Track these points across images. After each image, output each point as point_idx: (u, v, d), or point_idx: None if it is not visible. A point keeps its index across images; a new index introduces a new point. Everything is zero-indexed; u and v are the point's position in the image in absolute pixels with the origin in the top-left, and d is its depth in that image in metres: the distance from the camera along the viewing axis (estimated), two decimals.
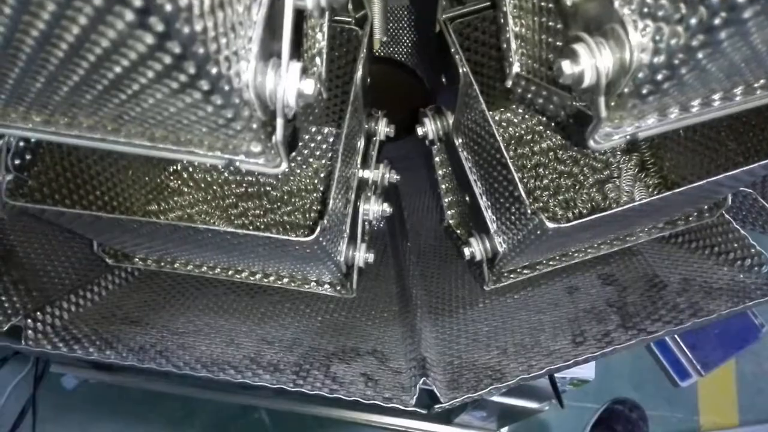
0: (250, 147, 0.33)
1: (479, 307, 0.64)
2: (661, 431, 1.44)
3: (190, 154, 0.32)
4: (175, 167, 0.73)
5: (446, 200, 0.69)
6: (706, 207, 0.61)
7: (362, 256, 0.58)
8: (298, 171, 0.75)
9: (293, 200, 0.74)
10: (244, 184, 0.75)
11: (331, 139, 0.74)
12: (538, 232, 0.48)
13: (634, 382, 1.48)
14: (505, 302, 0.64)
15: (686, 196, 0.49)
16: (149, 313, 0.61)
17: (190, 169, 0.74)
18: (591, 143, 0.40)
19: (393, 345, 0.60)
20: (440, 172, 0.67)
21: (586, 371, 0.89)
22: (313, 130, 0.75)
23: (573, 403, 1.38)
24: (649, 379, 1.49)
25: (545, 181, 0.74)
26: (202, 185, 0.74)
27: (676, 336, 1.45)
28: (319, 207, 0.73)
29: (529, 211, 0.48)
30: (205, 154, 0.32)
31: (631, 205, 0.45)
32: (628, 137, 0.39)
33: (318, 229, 0.44)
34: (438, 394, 0.51)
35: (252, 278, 0.60)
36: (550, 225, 0.45)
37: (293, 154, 0.38)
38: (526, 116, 0.75)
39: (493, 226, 0.56)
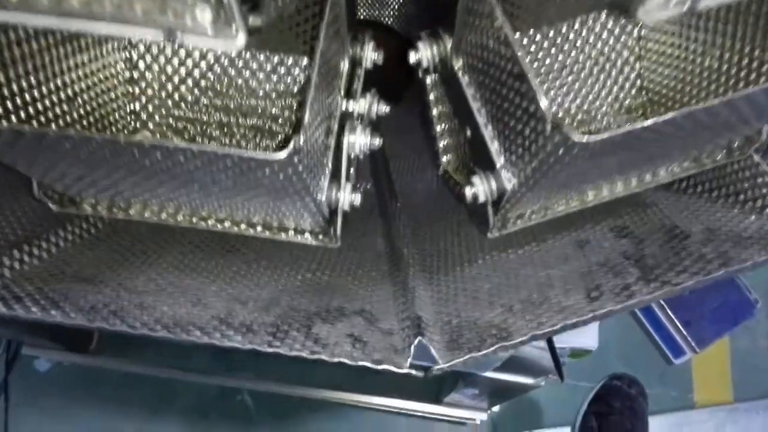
0: (196, 11, 0.27)
1: (478, 264, 0.57)
2: (655, 409, 1.40)
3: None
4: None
5: (442, 144, 0.62)
6: (736, 144, 0.54)
7: (347, 197, 0.50)
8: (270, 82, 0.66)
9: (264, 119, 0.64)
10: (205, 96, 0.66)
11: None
12: (561, 152, 0.41)
13: (626, 359, 1.44)
14: (507, 258, 0.57)
15: (731, 110, 0.42)
16: (105, 271, 0.53)
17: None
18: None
19: (383, 305, 0.53)
20: (435, 111, 0.60)
21: (589, 340, 0.83)
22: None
23: (567, 381, 1.33)
24: (642, 357, 1.45)
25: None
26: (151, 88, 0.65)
27: (670, 312, 1.41)
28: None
29: (548, 127, 0.41)
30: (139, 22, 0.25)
31: (671, 114, 0.38)
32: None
33: (291, 145, 0.37)
34: (435, 355, 0.44)
35: (219, 226, 0.52)
36: (576, 138, 0.38)
37: (257, 22, 0.30)
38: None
39: (500, 160, 0.49)
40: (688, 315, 1.41)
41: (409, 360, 0.44)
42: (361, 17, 0.95)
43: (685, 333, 1.40)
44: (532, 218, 0.55)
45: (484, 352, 0.43)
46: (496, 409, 1.33)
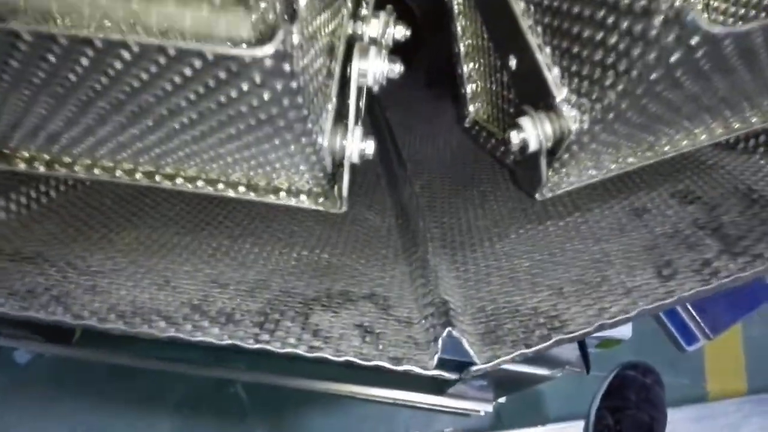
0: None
1: (512, 239, 0.47)
2: (667, 398, 1.32)
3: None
4: None
5: (470, 88, 0.51)
6: None
7: (356, 145, 0.39)
8: None
9: None
10: None
11: None
12: (672, 59, 0.30)
13: (634, 347, 1.35)
14: (546, 231, 0.47)
15: None
16: (52, 249, 0.43)
17: None
18: (537, 197, 0.47)
19: (398, 287, 0.43)
20: (462, 46, 0.49)
21: (624, 329, 0.74)
22: None
23: (575, 371, 1.24)
24: (652, 345, 1.37)
25: None
26: None
27: None
28: None
29: (659, 20, 0.29)
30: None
31: None
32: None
33: (280, 35, 0.25)
34: (470, 351, 0.34)
35: (189, 185, 0.41)
36: (711, 28, 0.27)
37: None
38: None
39: (561, 92, 0.39)
40: (703, 300, 1.33)
41: (437, 357, 0.34)
42: None
43: (699, 319, 1.32)
44: (593, 174, 0.44)
45: (538, 347, 0.33)
46: (502, 400, 1.24)
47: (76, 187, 0.52)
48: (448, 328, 0.35)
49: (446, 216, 0.55)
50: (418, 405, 1.22)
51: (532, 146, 0.40)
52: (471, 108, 0.50)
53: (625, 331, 0.69)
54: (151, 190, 0.54)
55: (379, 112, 0.75)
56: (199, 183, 0.40)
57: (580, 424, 1.25)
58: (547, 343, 0.33)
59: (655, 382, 1.23)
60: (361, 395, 1.17)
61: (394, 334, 0.37)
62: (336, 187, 0.40)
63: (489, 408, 1.26)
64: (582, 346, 0.71)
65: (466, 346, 0.34)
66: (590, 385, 1.17)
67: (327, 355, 0.33)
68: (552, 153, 0.41)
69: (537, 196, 0.44)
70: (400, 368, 0.33)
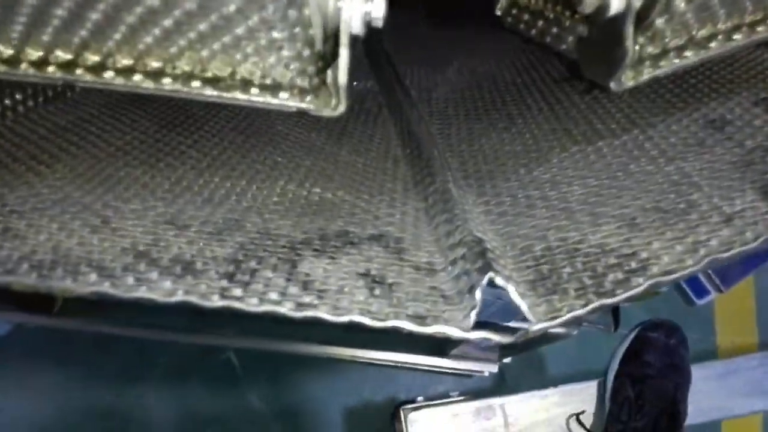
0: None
1: (554, 163, 0.37)
2: None
3: None
4: None
5: None
6: None
7: (358, 5, 0.27)
8: None
9: None
10: None
11: None
12: None
13: (643, 302, 1.29)
14: (600, 152, 0.37)
15: None
16: None
17: None
18: (613, 85, 0.34)
19: (412, 227, 0.33)
20: None
21: None
22: None
23: (582, 328, 1.16)
24: (659, 298, 1.30)
25: None
26: None
27: None
28: None
29: None
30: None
31: None
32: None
33: None
34: (522, 306, 0.25)
35: (120, 79, 0.29)
36: None
37: None
38: None
39: None
40: None
41: (474, 313, 0.24)
42: None
43: (709, 271, 1.24)
44: (687, 56, 0.33)
45: (617, 296, 0.23)
46: (507, 360, 1.16)
47: (5, 115, 0.41)
48: (489, 274, 0.25)
49: (464, 143, 0.45)
50: (420, 367, 1.14)
51: (616, 6, 0.29)
52: None
53: None
54: (96, 117, 0.43)
55: (377, 45, 0.64)
56: (136, 77, 0.30)
57: (592, 384, 1.16)
58: (633, 291, 0.23)
59: (679, 343, 1.11)
60: (360, 359, 1.09)
61: (413, 284, 0.27)
62: (330, 75, 0.29)
63: (494, 369, 1.18)
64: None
65: (516, 298, 0.24)
66: (600, 344, 1.08)
67: (322, 314, 0.23)
68: (642, 18, 0.30)
69: (613, 84, 0.33)
70: (425, 330, 0.23)
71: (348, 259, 0.29)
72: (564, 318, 0.23)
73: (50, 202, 0.31)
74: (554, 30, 0.38)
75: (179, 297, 0.24)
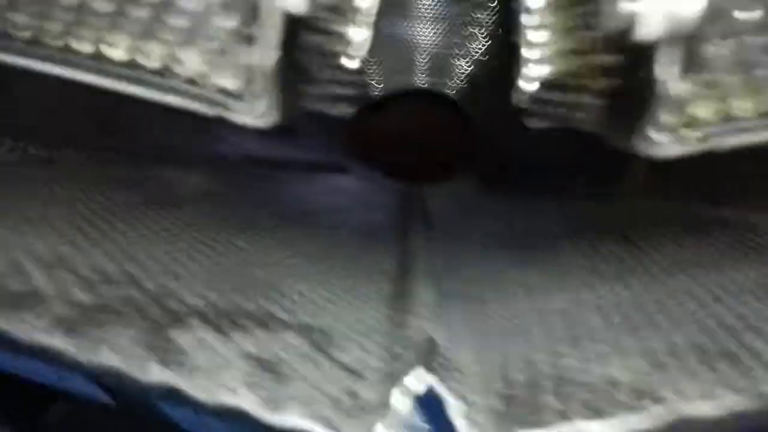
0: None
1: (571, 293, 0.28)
2: None
3: None
4: None
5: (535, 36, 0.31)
6: None
7: None
8: None
9: None
10: None
11: None
12: None
13: None
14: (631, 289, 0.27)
15: None
16: None
17: None
18: (642, 147, 0.24)
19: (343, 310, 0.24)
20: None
21: None
22: None
23: None
24: None
25: None
26: None
27: None
28: None
29: None
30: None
31: None
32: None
33: None
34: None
35: None
36: None
37: None
38: None
39: None
40: None
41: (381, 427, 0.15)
42: (418, 85, 0.70)
43: None
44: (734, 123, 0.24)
45: None
46: None
47: None
48: (428, 380, 0.16)
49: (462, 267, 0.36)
50: None
51: (652, 30, 0.20)
52: (535, 70, 0.31)
53: None
54: None
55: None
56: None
57: None
58: None
59: None
60: None
61: (321, 381, 0.18)
62: (259, 75, 0.21)
63: None
64: None
65: (457, 417, 0.15)
66: None
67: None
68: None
69: (642, 145, 0.23)
70: None
71: (240, 335, 0.20)
72: None
73: None
74: (587, 100, 0.29)
75: None
